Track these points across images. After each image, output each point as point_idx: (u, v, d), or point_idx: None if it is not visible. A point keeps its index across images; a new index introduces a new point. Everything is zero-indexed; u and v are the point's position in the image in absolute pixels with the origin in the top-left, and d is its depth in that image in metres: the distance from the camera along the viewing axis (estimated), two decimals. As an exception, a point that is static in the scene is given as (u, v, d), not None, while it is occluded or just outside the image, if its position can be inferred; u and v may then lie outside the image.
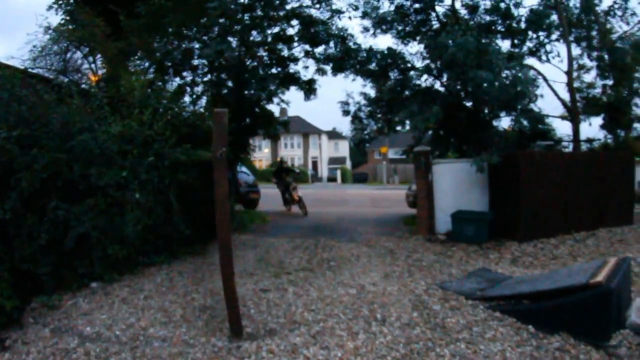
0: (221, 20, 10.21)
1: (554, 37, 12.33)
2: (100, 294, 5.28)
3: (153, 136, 6.77)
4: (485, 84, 9.00)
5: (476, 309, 4.70)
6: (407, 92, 11.33)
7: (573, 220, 9.55)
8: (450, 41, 9.25)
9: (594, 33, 13.17)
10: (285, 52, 11.85)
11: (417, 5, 11.38)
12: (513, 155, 9.23)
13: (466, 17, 11.54)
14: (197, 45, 10.90)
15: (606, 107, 12.92)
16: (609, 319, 3.95)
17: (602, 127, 13.29)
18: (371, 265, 6.86)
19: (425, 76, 11.26)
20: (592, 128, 14.00)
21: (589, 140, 13.50)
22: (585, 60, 13.74)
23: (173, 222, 6.69)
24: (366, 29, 11.90)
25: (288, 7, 11.11)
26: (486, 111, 10.56)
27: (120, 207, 6.06)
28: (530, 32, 11.78)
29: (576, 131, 12.23)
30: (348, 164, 59.89)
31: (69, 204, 5.59)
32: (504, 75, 9.22)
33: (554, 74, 36.81)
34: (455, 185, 9.68)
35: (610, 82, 13.22)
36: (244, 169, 15.54)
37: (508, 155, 9.09)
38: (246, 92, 11.24)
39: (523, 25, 11.52)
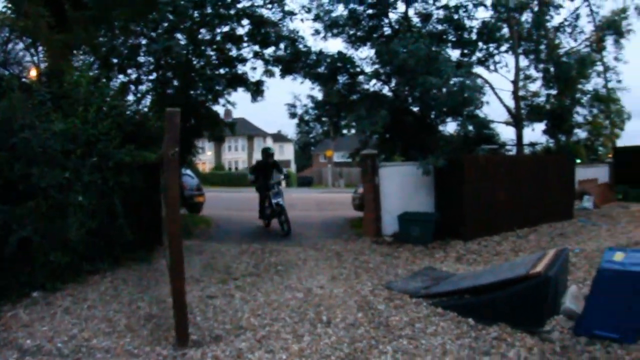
0: (171, 17, 10.16)
1: (503, 48, 13.24)
2: (41, 304, 5.20)
3: (97, 135, 6.71)
4: (433, 90, 9.54)
5: (419, 307, 5.03)
6: (355, 96, 11.76)
7: (516, 217, 10.33)
8: (402, 48, 9.67)
9: (542, 47, 14.19)
10: (234, 52, 11.88)
11: (370, 11, 11.72)
12: (458, 158, 9.85)
13: (419, 25, 12.03)
14: (144, 42, 10.78)
15: (549, 114, 14.04)
16: (544, 307, 4.33)
17: (545, 132, 14.52)
18: (318, 269, 7.12)
19: (374, 81, 11.69)
20: (535, 133, 15.08)
21: (532, 144, 14.74)
22: (532, 72, 14.83)
23: (117, 226, 6.66)
24: (317, 32, 12.15)
25: (239, 5, 11.15)
26: (433, 116, 11.07)
27: (63, 210, 5.98)
28: (480, 43, 12.51)
29: (519, 136, 13.27)
30: (293, 167, 60.19)
31: (9, 206, 5.45)
32: (452, 82, 9.76)
33: (502, 83, 38.76)
34: (402, 187, 10.20)
35: (554, 92, 14.32)
36: (188, 171, 15.35)
37: (453, 158, 9.68)
38: (192, 92, 11.26)
39: (474, 36, 12.23)
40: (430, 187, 10.26)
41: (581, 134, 16.17)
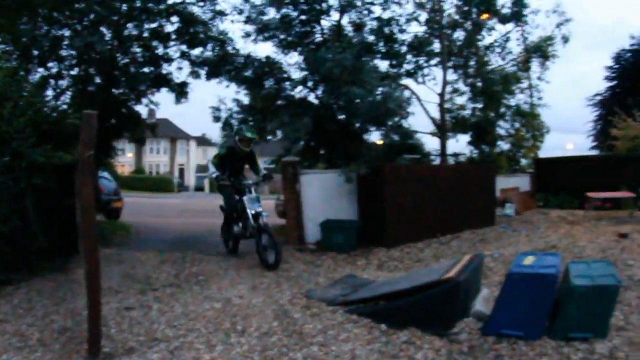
0: (98, 9, 9.97)
1: (433, 62, 14.17)
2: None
3: (12, 134, 6.51)
4: (358, 100, 10.01)
5: (335, 314, 5.27)
6: (280, 102, 12.05)
7: (440, 225, 10.81)
8: (329, 56, 10.03)
9: (472, 63, 15.31)
10: (161, 51, 11.82)
11: (303, 17, 11.96)
12: (381, 167, 10.34)
13: (351, 34, 12.41)
14: (67, 34, 10.52)
15: (474, 127, 15.16)
16: (454, 310, 4.66)
17: (470, 143, 15.69)
18: (240, 278, 7.30)
19: (300, 88, 12.00)
20: (461, 144, 16.17)
21: (455, 155, 15.79)
22: (461, 85, 15.88)
23: (31, 232, 6.53)
24: (248, 35, 12.17)
25: (170, 1, 11.10)
26: (358, 125, 11.49)
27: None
28: (410, 56, 13.23)
29: (444, 146, 14.23)
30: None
31: None
32: (377, 93, 10.25)
33: (430, 95, 40.80)
34: (324, 195, 10.52)
35: (480, 106, 15.45)
36: (105, 174, 14.99)
37: (376, 166, 10.20)
38: (115, 90, 11.13)
39: (405, 49, 12.89)
40: (354, 195, 10.65)
41: (504, 146, 17.45)
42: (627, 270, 5.88)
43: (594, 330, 4.09)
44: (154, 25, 11.39)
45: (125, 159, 49.14)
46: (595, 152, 26.62)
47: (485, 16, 14.79)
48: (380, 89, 10.44)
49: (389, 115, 10.61)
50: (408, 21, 12.95)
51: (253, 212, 8.17)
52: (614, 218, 10.72)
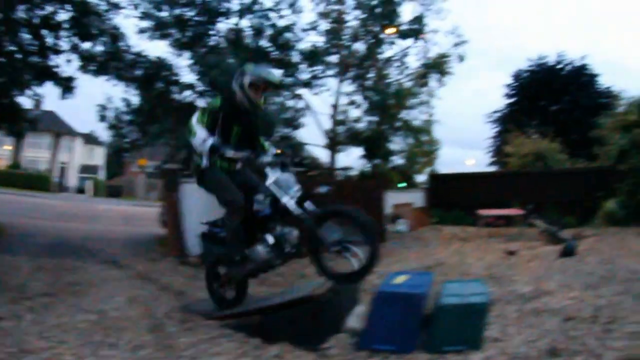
0: None
1: (331, 73, 14.84)
2: None
3: None
4: None
5: (210, 328, 5.52)
6: (168, 105, 12.04)
7: None
8: (215, 61, 10.30)
9: (370, 75, 16.17)
10: (51, 41, 11.54)
11: (199, 18, 12.09)
12: None
13: (249, 39, 12.67)
14: None
15: (367, 140, 15.78)
16: (325, 325, 5.08)
17: (363, 157, 16.42)
18: (118, 290, 7.38)
19: (189, 92, 12.12)
20: (354, 157, 16.85)
21: (344, 168, 16.33)
22: (358, 97, 16.56)
23: None
24: (143, 31, 12.15)
25: None
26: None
27: None
28: (305, 66, 13.59)
29: (333, 159, 14.69)
30: (102, 174, 57.39)
31: None
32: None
33: (326, 106, 42.04)
34: (207, 206, 9.96)
35: (375, 119, 16.21)
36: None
37: None
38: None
39: (300, 58, 13.28)
40: None
41: (398, 160, 18.52)
42: (511, 285, 6.59)
43: (467, 343, 4.56)
44: (45, 12, 11.12)
45: (3, 152, 45.92)
46: (492, 168, 28.76)
47: (390, 30, 15.74)
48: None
49: (273, 126, 10.86)
50: (304, 30, 13.51)
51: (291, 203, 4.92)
52: (504, 235, 11.57)
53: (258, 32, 12.71)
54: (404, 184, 19.96)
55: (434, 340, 4.64)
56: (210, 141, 4.92)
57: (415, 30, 16.01)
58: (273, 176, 4.96)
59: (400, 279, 5.09)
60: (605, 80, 30.12)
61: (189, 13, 12.10)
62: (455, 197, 16.79)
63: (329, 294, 5.16)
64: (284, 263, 5.71)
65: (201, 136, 4.95)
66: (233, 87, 5.13)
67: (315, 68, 14.11)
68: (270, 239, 5.09)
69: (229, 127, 5.19)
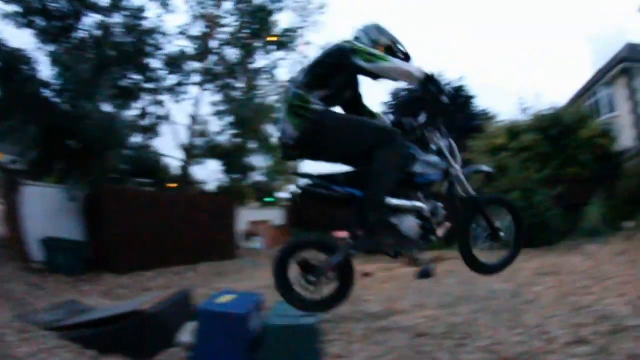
0: None
1: (197, 80, 14.66)
2: None
3: None
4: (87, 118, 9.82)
5: (48, 339, 5.47)
6: (19, 103, 11.02)
7: (173, 254, 11.23)
8: (63, 60, 9.98)
9: (239, 85, 16.01)
10: None
11: (65, 9, 11.52)
12: (103, 188, 10.61)
13: (117, 38, 12.35)
14: None
15: (226, 154, 15.84)
16: (151, 339, 5.33)
17: (223, 171, 16.40)
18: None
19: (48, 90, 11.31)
20: (213, 170, 16.68)
21: (197, 182, 16.36)
22: (224, 108, 16.26)
23: None
24: (8, 16, 11.22)
25: None
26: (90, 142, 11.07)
27: None
28: (166, 72, 13.55)
29: (185, 172, 14.87)
30: None
31: None
32: (107, 110, 10.32)
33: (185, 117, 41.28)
34: (50, 211, 10.12)
35: (237, 132, 16.14)
36: None
37: (102, 188, 10.42)
38: None
39: (159, 64, 13.21)
40: (82, 215, 10.50)
41: (257, 176, 18.27)
42: (364, 305, 6.99)
43: (302, 361, 4.85)
44: None
45: None
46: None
47: (271, 38, 15.80)
48: (110, 109, 10.45)
49: (114, 136, 10.65)
50: (165, 35, 13.26)
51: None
52: (361, 256, 12.56)
53: (131, 29, 12.48)
54: (272, 199, 20.04)
55: (263, 359, 4.86)
56: (420, 74, 3.14)
57: (287, 41, 16.08)
58: (444, 140, 3.62)
59: (225, 299, 5.21)
60: (481, 103, 30.65)
61: (57, 4, 11.40)
62: (315, 217, 16.18)
63: (155, 308, 5.50)
64: (422, 249, 4.98)
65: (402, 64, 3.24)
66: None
67: (176, 74, 14.02)
68: (427, 210, 3.42)
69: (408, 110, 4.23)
